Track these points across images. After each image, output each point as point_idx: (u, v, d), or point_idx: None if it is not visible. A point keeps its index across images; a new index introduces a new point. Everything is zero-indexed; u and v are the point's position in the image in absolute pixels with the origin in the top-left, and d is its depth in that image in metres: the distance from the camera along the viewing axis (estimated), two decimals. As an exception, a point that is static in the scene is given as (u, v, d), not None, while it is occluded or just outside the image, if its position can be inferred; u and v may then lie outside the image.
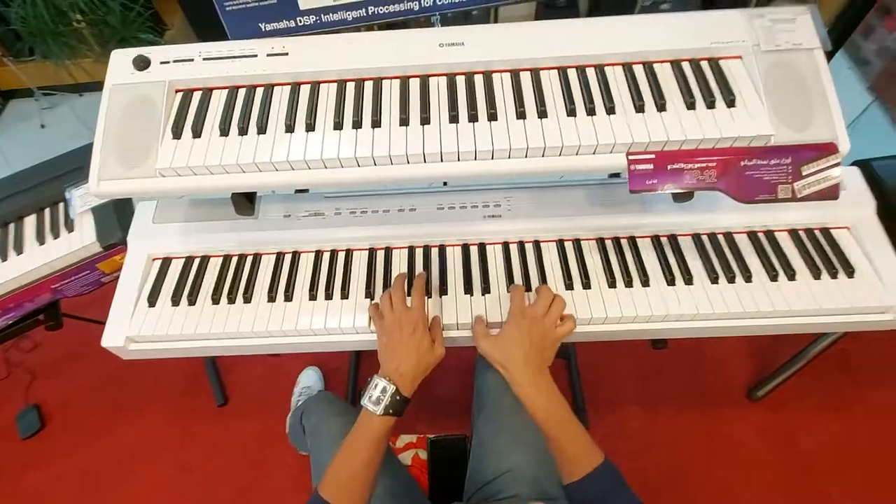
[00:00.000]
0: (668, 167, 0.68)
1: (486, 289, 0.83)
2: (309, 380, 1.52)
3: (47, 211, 1.00)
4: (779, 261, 0.82)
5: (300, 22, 0.80)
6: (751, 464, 1.34)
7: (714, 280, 0.81)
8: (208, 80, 0.76)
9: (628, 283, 0.82)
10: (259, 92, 0.76)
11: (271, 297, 0.84)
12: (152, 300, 0.85)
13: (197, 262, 0.90)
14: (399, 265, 0.87)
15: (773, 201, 0.69)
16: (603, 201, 0.90)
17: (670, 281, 0.81)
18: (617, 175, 1.08)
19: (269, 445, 1.43)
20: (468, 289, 0.83)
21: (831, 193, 0.68)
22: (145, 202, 0.95)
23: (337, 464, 0.69)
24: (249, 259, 0.90)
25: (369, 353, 1.55)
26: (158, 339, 0.84)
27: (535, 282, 0.83)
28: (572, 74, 0.74)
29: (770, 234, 0.86)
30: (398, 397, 0.69)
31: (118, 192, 0.72)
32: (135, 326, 0.83)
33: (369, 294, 0.84)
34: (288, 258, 0.89)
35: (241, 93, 0.76)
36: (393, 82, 0.75)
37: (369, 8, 0.80)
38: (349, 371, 1.53)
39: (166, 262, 0.90)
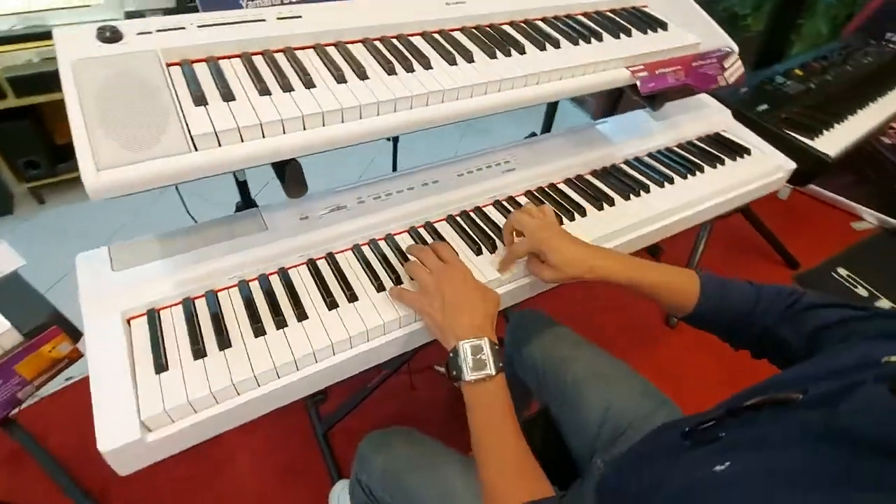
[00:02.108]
0: (656, 72, 0.84)
1: (541, 228, 0.83)
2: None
3: None
4: (708, 157, 1.06)
5: (284, -3, 0.73)
6: (696, 370, 1.54)
7: (683, 177, 0.99)
8: (210, 47, 0.62)
9: (636, 194, 0.93)
10: (280, 56, 0.65)
11: (332, 304, 0.67)
12: (160, 364, 0.59)
13: (202, 301, 0.66)
14: (449, 236, 0.80)
15: (718, 88, 0.91)
16: (581, 143, 1.02)
17: (660, 184, 0.96)
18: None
19: None
20: (526, 233, 0.82)
21: (742, 79, 0.94)
22: (84, 253, 0.67)
23: (491, 456, 0.56)
24: (275, 277, 0.70)
25: (339, 434, 1.29)
26: (192, 409, 0.57)
27: (575, 214, 0.87)
28: (560, 22, 0.86)
29: (691, 143, 1.11)
30: (495, 346, 0.59)
31: (131, 181, 0.51)
32: (150, 405, 0.55)
33: (440, 266, 0.75)
34: (323, 262, 0.73)
35: (259, 59, 0.64)
36: (416, 38, 0.75)
37: (353, -16, 0.79)
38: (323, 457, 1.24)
39: (152, 317, 0.64)
